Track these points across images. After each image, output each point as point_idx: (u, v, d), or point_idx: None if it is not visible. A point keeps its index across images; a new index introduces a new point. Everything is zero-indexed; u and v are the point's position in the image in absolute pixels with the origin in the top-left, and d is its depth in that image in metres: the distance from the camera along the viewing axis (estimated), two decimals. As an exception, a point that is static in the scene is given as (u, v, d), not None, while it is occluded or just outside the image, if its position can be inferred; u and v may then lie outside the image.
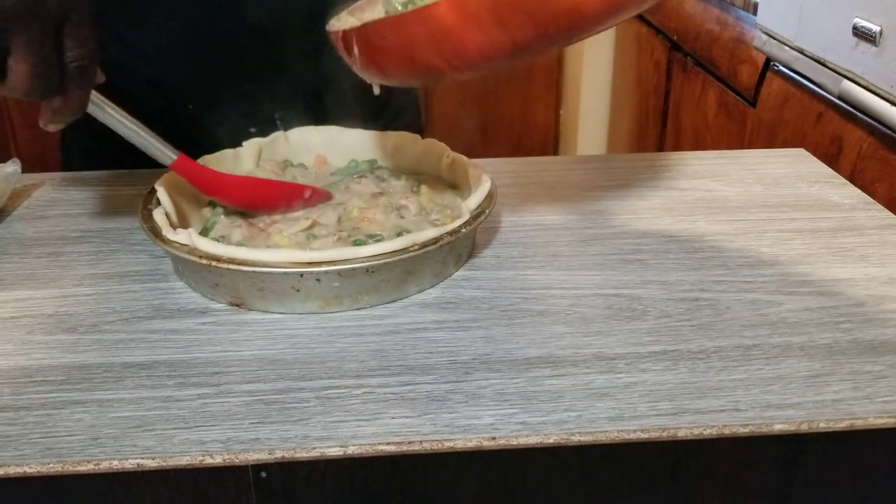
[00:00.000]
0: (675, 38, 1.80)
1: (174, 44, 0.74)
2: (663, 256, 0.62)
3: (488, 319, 0.54)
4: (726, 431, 0.44)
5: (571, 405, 0.46)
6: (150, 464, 0.42)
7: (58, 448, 0.43)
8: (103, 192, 0.74)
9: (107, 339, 0.52)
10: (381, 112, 0.81)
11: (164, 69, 0.76)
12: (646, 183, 0.75)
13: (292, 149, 0.72)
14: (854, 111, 1.07)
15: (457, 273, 0.60)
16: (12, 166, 0.72)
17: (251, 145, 0.70)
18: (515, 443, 0.44)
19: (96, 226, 0.68)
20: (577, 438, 0.44)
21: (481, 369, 0.49)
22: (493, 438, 0.44)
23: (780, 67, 1.28)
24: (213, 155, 0.68)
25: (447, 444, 0.43)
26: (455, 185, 0.68)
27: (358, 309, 0.55)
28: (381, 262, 0.53)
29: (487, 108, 2.42)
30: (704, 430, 0.44)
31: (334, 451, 0.43)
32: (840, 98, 1.10)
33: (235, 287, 0.55)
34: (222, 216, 0.63)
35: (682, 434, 0.44)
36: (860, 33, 1.02)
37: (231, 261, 0.53)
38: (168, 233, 0.56)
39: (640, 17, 2.00)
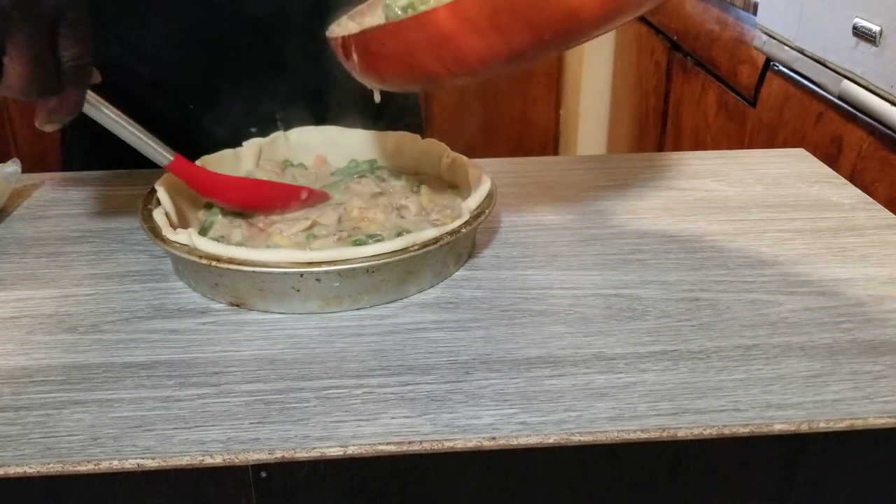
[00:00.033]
0: (675, 38, 1.80)
1: (174, 44, 0.74)
2: (663, 256, 0.62)
3: (488, 319, 0.54)
4: (726, 431, 0.44)
5: (571, 405, 0.46)
6: (150, 464, 0.42)
7: (58, 448, 0.43)
8: (103, 192, 0.74)
9: (107, 339, 0.52)
10: (381, 112, 0.81)
11: (164, 69, 0.76)
12: (646, 183, 0.75)
13: (292, 149, 0.72)
14: (854, 111, 1.07)
15: (457, 273, 0.60)
16: (12, 166, 0.72)
17: (251, 145, 0.70)
18: (515, 443, 0.44)
19: (96, 226, 0.68)
20: (577, 438, 0.44)
21: (481, 369, 0.49)
22: (493, 438, 0.44)
23: (780, 67, 1.28)
24: (213, 155, 0.68)
25: (447, 444, 0.43)
26: (455, 185, 0.68)
27: (358, 309, 0.55)
28: (381, 262, 0.53)
29: (487, 108, 2.41)
30: (704, 430, 0.44)
31: (334, 451, 0.43)
32: (840, 98, 1.10)
33: (235, 287, 0.55)
34: (220, 216, 0.63)
35: (682, 434, 0.44)
36: (860, 33, 1.02)
37: (231, 261, 0.53)
38: (168, 233, 0.56)
39: (640, 18, 2.00)
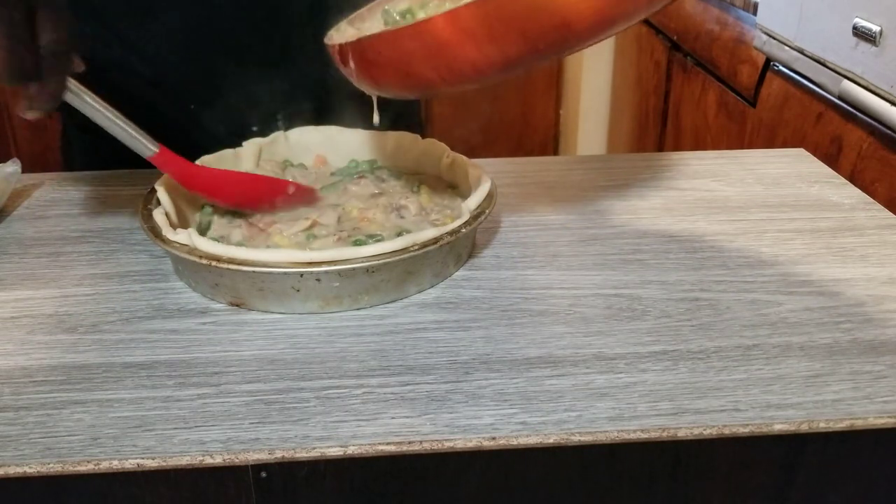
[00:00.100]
0: (675, 38, 1.80)
1: (174, 44, 0.74)
2: (663, 256, 0.62)
3: (488, 319, 0.54)
4: (726, 431, 0.44)
5: (571, 405, 0.46)
6: (150, 464, 0.42)
7: (58, 448, 0.43)
8: (103, 192, 0.74)
9: (107, 339, 0.52)
10: (381, 112, 0.81)
11: (164, 69, 0.76)
12: (646, 183, 0.75)
13: (292, 149, 0.72)
14: (854, 111, 1.07)
15: (457, 273, 0.60)
16: (12, 166, 0.72)
17: (251, 145, 0.70)
18: (515, 443, 0.44)
19: (96, 226, 0.68)
20: (577, 438, 0.44)
21: (481, 369, 0.49)
22: (493, 438, 0.44)
23: (780, 67, 1.28)
24: (213, 155, 0.67)
25: (447, 444, 0.43)
26: (455, 185, 0.68)
27: (358, 309, 0.55)
28: (381, 262, 0.53)
29: (487, 108, 2.41)
30: (704, 430, 0.44)
31: (334, 451, 0.43)
32: (840, 98, 1.10)
33: (235, 287, 0.55)
34: (215, 217, 0.63)
35: (682, 434, 0.44)
36: (860, 33, 1.02)
37: (231, 261, 0.53)
38: (168, 233, 0.56)
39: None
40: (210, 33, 0.74)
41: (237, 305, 0.56)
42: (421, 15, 0.58)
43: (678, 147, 1.79)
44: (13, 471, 0.42)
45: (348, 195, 0.66)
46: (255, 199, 0.63)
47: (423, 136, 0.71)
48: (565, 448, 0.44)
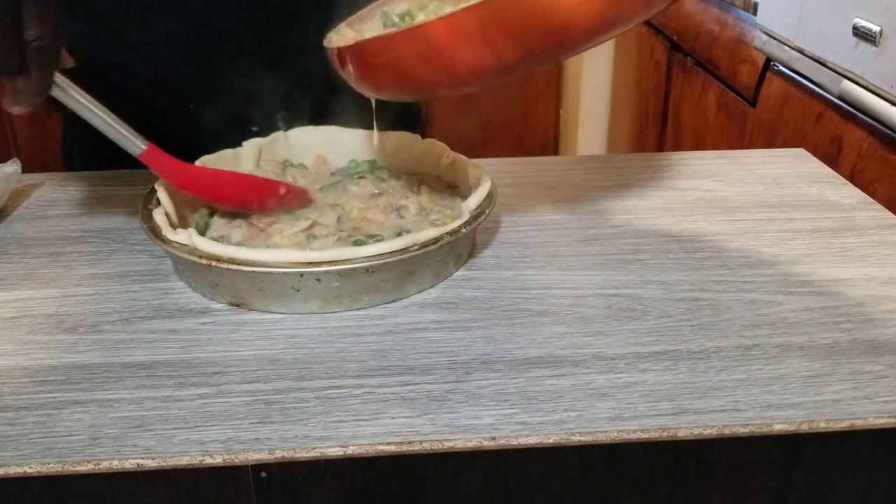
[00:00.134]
0: (675, 38, 1.80)
1: (174, 43, 0.74)
2: (663, 256, 0.62)
3: (488, 319, 0.54)
4: (726, 431, 0.44)
5: (571, 405, 0.46)
6: (150, 464, 0.42)
7: (58, 448, 0.43)
8: (103, 192, 0.74)
9: (107, 339, 0.52)
10: (381, 112, 0.81)
11: (164, 69, 0.76)
12: (646, 183, 0.75)
13: (292, 149, 0.72)
14: (854, 111, 1.07)
15: (457, 273, 0.60)
16: (12, 166, 0.72)
17: (251, 145, 0.70)
18: (515, 443, 0.44)
19: (96, 226, 0.68)
20: (577, 438, 0.44)
21: (481, 369, 0.49)
22: (493, 438, 0.44)
23: (780, 67, 1.28)
24: (213, 155, 0.67)
25: (447, 444, 0.43)
26: (455, 185, 0.68)
27: (358, 309, 0.55)
28: (381, 262, 0.53)
29: (487, 108, 2.41)
30: (704, 430, 0.44)
31: (334, 451, 0.43)
32: (840, 98, 1.10)
33: (235, 287, 0.55)
34: (215, 217, 0.63)
35: (682, 434, 0.44)
36: (860, 33, 1.02)
37: (231, 261, 0.53)
38: (168, 233, 0.56)
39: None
40: (210, 33, 0.74)
41: (237, 305, 0.56)
42: (420, 17, 0.59)
43: (678, 147, 1.79)
44: (13, 471, 0.42)
45: (348, 195, 0.66)
46: (245, 199, 0.62)
47: (423, 136, 0.71)
48: (565, 448, 0.44)
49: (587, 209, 0.70)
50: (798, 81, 1.22)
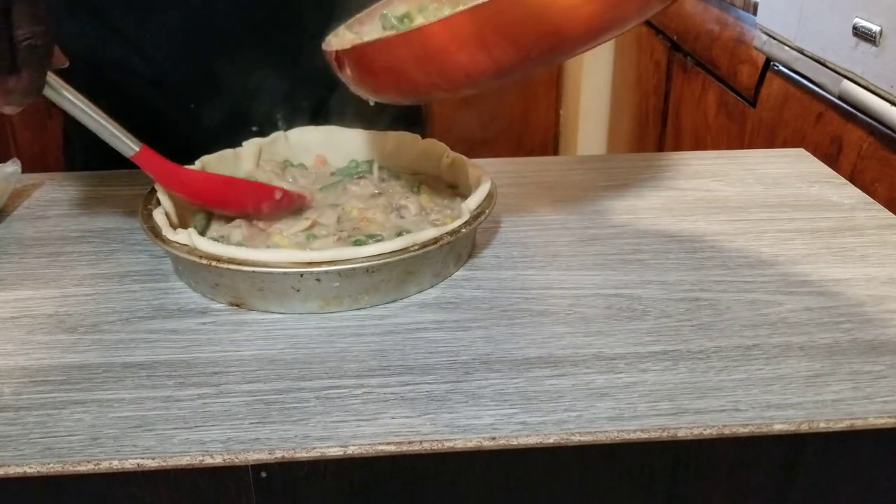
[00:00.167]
0: (675, 38, 1.80)
1: (174, 44, 0.74)
2: (663, 256, 0.62)
3: (488, 319, 0.54)
4: (726, 431, 0.44)
5: (571, 405, 0.46)
6: (150, 464, 0.42)
7: (58, 448, 0.43)
8: (103, 192, 0.74)
9: (107, 339, 0.52)
10: (381, 112, 0.81)
11: (164, 69, 0.76)
12: (646, 183, 0.75)
13: (292, 149, 0.72)
14: (854, 111, 1.07)
15: (457, 273, 0.60)
16: (12, 166, 0.72)
17: (251, 145, 0.70)
18: (515, 443, 0.44)
19: (96, 226, 0.68)
20: (577, 438, 0.44)
21: (481, 369, 0.49)
22: (493, 438, 0.44)
23: (780, 67, 1.28)
24: (213, 155, 0.67)
25: (447, 444, 0.43)
26: (455, 185, 0.68)
27: (358, 309, 0.55)
28: (381, 262, 0.53)
29: (487, 108, 2.41)
30: (704, 430, 0.44)
31: (334, 451, 0.43)
32: (840, 98, 1.10)
33: (235, 287, 0.55)
34: (214, 218, 0.63)
35: (682, 434, 0.44)
36: (860, 33, 1.02)
37: (231, 261, 0.53)
38: (168, 233, 0.56)
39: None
40: (210, 33, 0.74)
41: (237, 305, 0.56)
42: (419, 19, 0.59)
43: (678, 147, 1.79)
44: (13, 471, 0.42)
45: (348, 195, 0.66)
46: (239, 204, 0.62)
47: (423, 136, 0.71)
48: (565, 448, 0.44)
49: (587, 209, 0.70)
50: (798, 81, 1.22)
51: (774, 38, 1.28)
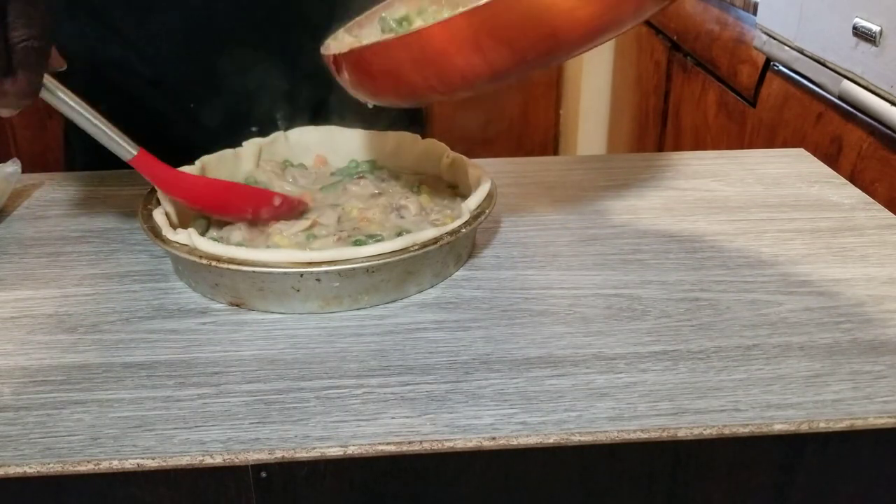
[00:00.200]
0: (675, 38, 1.80)
1: (174, 44, 0.74)
2: (663, 256, 0.62)
3: (488, 319, 0.54)
4: (726, 431, 0.44)
5: (571, 405, 0.46)
6: (150, 464, 0.42)
7: (58, 448, 0.43)
8: (103, 192, 0.74)
9: (107, 339, 0.52)
10: (381, 112, 0.81)
11: (164, 69, 0.76)
12: (646, 183, 0.75)
13: (292, 149, 0.72)
14: (854, 111, 1.07)
15: (457, 273, 0.60)
16: (12, 166, 0.72)
17: (251, 145, 0.70)
18: (515, 443, 0.44)
19: (96, 226, 0.68)
20: (577, 438, 0.44)
21: (481, 369, 0.49)
22: (493, 438, 0.44)
23: (780, 67, 1.28)
24: (213, 155, 0.67)
25: (447, 444, 0.43)
26: (455, 185, 0.68)
27: (358, 309, 0.55)
28: (381, 262, 0.53)
29: (487, 108, 2.42)
30: (704, 430, 0.44)
31: (334, 451, 0.43)
32: (840, 98, 1.10)
33: (235, 287, 0.55)
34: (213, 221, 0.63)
35: (682, 434, 0.44)
36: (860, 33, 1.02)
37: (231, 261, 0.53)
38: (168, 233, 0.56)
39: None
40: (210, 33, 0.74)
41: (237, 305, 0.56)
42: (418, 21, 0.59)
43: (678, 147, 1.79)
44: (13, 471, 0.42)
45: (348, 195, 0.66)
46: (237, 209, 0.61)
47: (423, 136, 0.71)
48: (565, 448, 0.44)
49: (587, 209, 0.70)
50: (798, 81, 1.22)
51: (774, 38, 1.28)
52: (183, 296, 0.57)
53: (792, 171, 0.77)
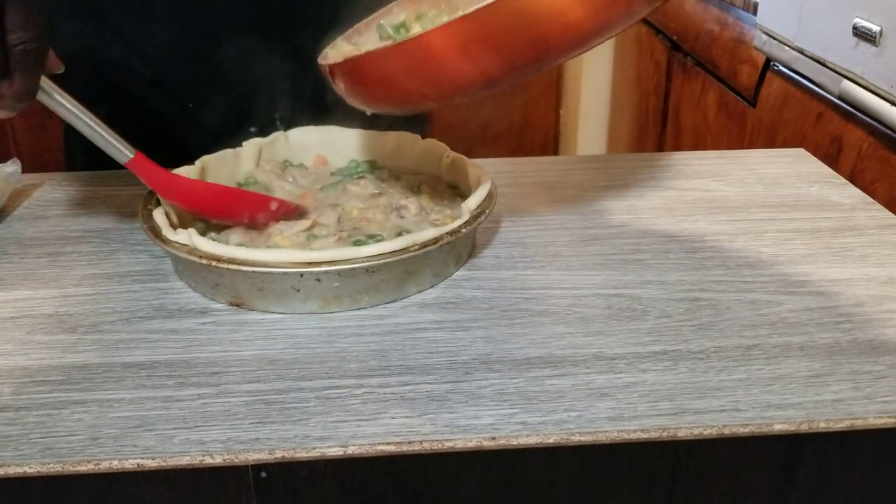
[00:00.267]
0: (675, 38, 1.80)
1: (174, 43, 0.74)
2: (663, 256, 0.62)
3: (488, 319, 0.54)
4: (726, 431, 0.44)
5: (571, 405, 0.46)
6: (150, 464, 0.42)
7: (58, 448, 0.43)
8: (103, 192, 0.74)
9: (107, 339, 0.52)
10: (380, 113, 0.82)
11: (164, 69, 0.76)
12: (646, 183, 0.75)
13: (292, 149, 0.72)
14: (854, 111, 1.07)
15: (457, 273, 0.60)
16: (12, 166, 0.72)
17: (251, 145, 0.70)
18: (515, 443, 0.44)
19: (96, 226, 0.68)
20: (577, 438, 0.44)
21: (481, 369, 0.49)
22: (493, 438, 0.44)
23: (780, 67, 1.28)
24: (214, 155, 0.67)
25: (447, 444, 0.43)
26: (455, 185, 0.68)
27: (358, 309, 0.55)
28: (381, 262, 0.53)
29: (487, 109, 2.41)
30: (704, 430, 0.44)
31: (334, 451, 0.43)
32: (840, 98, 1.10)
33: (235, 287, 0.55)
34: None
35: (682, 434, 0.44)
36: (860, 33, 1.02)
37: (231, 261, 0.53)
38: (168, 233, 0.56)
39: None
40: (210, 34, 0.74)
41: (237, 305, 0.56)
42: (416, 27, 0.59)
43: (678, 147, 1.79)
44: (13, 471, 0.42)
45: (348, 195, 0.66)
46: (234, 214, 0.61)
47: (423, 136, 0.71)
48: (565, 448, 0.44)
49: (587, 209, 0.70)
50: (798, 81, 1.22)
51: (774, 38, 1.28)
52: (183, 296, 0.57)
53: (792, 171, 0.77)
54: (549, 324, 0.54)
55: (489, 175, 0.63)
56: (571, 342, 0.52)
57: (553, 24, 0.45)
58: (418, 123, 0.93)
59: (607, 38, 0.49)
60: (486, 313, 0.55)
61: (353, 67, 0.52)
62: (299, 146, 0.72)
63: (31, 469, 0.42)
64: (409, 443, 0.43)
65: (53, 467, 0.42)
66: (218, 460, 0.43)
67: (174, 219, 0.60)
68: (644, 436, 0.44)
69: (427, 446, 0.43)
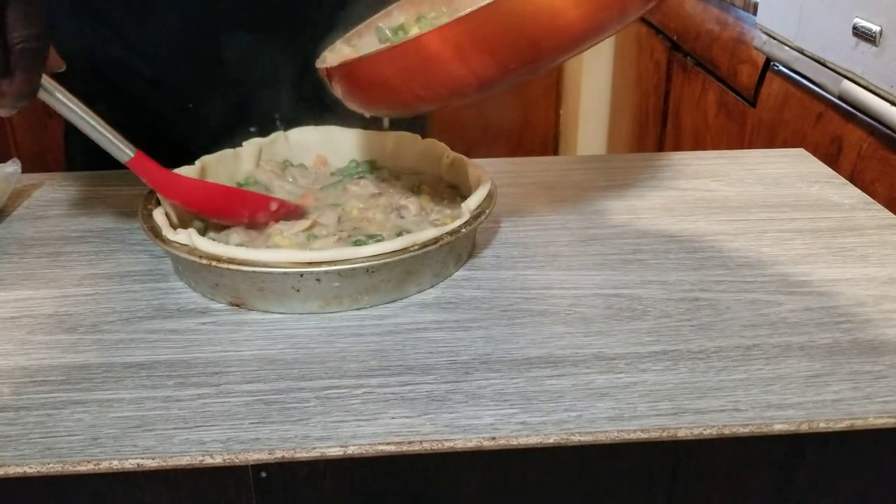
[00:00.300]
0: (675, 38, 1.80)
1: (174, 44, 0.74)
2: (663, 256, 0.62)
3: (488, 319, 0.54)
4: (726, 431, 0.44)
5: (571, 405, 0.46)
6: (150, 464, 0.42)
7: (58, 448, 0.43)
8: (103, 192, 0.74)
9: (107, 339, 0.52)
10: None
11: (164, 69, 0.76)
12: (646, 183, 0.75)
13: (292, 149, 0.72)
14: (854, 111, 1.07)
15: (457, 273, 0.60)
16: (12, 166, 0.72)
17: (251, 145, 0.70)
18: (515, 443, 0.44)
19: (96, 226, 0.68)
20: (577, 438, 0.44)
21: (481, 369, 0.49)
22: (493, 438, 0.44)
23: (780, 67, 1.28)
24: (214, 155, 0.67)
25: (447, 444, 0.43)
26: (455, 185, 0.68)
27: (358, 309, 0.55)
28: (381, 262, 0.53)
29: (487, 108, 2.41)
30: (704, 430, 0.44)
31: (334, 451, 0.43)
32: (840, 98, 1.10)
33: (235, 287, 0.55)
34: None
35: (682, 434, 0.44)
36: (860, 33, 1.02)
37: (231, 261, 0.53)
38: (168, 233, 0.56)
39: (640, 17, 1.99)
40: (210, 33, 0.74)
41: (237, 305, 0.56)
42: (415, 30, 0.59)
43: (678, 147, 1.79)
44: (13, 471, 0.42)
45: (348, 195, 0.66)
46: (234, 213, 0.61)
47: (423, 136, 0.71)
48: (565, 448, 0.44)
49: (587, 209, 0.70)
50: (798, 81, 1.22)
51: (774, 38, 1.28)
52: (183, 296, 0.57)
53: (792, 171, 0.78)
54: (549, 324, 0.54)
55: (489, 175, 0.63)
56: (571, 342, 0.52)
57: (547, 26, 0.45)
58: (418, 123, 0.93)
59: (602, 40, 0.49)
60: (486, 313, 0.55)
61: (349, 71, 0.52)
62: (299, 146, 0.72)
63: (31, 469, 0.42)
64: (409, 443, 0.43)
65: (53, 467, 0.42)
66: (218, 460, 0.43)
67: (174, 219, 0.60)
68: (644, 436, 0.44)
69: (427, 446, 0.43)
